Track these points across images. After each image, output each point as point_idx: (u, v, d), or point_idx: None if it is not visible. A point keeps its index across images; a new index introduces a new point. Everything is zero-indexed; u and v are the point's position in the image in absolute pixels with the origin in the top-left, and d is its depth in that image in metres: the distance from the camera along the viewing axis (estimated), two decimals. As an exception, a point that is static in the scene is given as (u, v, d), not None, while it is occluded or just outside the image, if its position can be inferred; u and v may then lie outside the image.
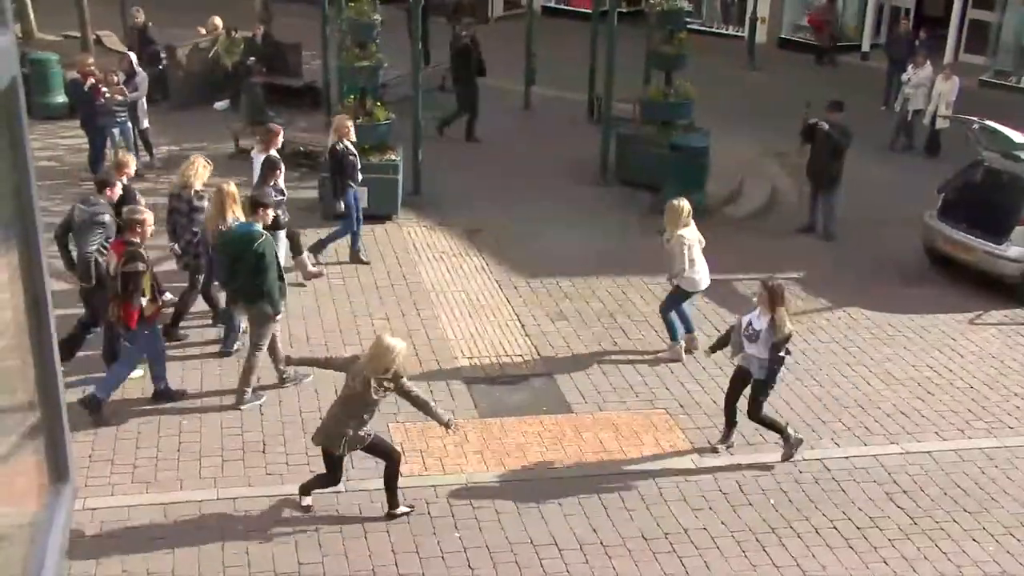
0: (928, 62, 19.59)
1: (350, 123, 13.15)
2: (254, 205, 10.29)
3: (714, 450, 9.88)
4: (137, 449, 9.53)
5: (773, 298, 9.40)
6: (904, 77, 19.78)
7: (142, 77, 17.10)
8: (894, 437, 10.35)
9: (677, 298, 11.50)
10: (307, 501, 8.78)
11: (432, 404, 8.73)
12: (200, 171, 11.43)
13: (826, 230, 15.19)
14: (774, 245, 14.95)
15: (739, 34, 27.97)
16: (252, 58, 19.47)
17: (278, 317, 10.29)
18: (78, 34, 22.62)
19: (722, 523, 8.90)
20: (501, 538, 8.58)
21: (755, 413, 9.68)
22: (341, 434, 8.32)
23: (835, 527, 8.92)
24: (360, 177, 13.15)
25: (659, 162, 15.60)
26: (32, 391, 2.55)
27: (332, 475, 8.63)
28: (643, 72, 18.33)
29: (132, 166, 11.82)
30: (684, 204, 11.14)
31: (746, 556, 8.51)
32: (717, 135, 16.59)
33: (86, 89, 15.85)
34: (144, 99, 17.05)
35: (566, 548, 8.49)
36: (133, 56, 17.52)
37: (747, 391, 9.72)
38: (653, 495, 9.24)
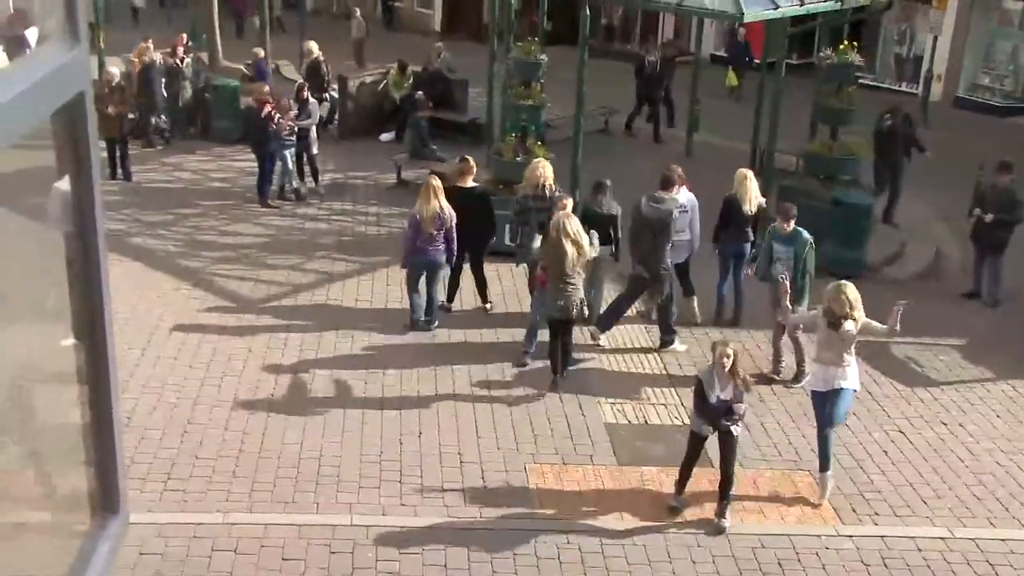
0: None
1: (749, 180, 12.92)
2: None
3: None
4: (278, 469, 9.74)
5: (735, 363, 9.00)
6: None
7: (314, 106, 17.69)
8: (1056, 523, 9.75)
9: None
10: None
11: None
12: (545, 170, 12.58)
13: (991, 295, 14.53)
14: (936, 309, 14.35)
15: (913, 91, 27.20)
16: (420, 92, 19.88)
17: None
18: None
19: (862, 596, 8.55)
20: (630, 590, 8.42)
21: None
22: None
23: (984, 612, 8.46)
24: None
25: (820, 216, 15.21)
26: (86, 415, 2.52)
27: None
28: (809, 124, 17.97)
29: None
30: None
31: (885, 633, 8.13)
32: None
33: (262, 116, 16.47)
34: (315, 127, 17.63)
35: (696, 606, 8.28)
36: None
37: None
38: (790, 558, 8.93)
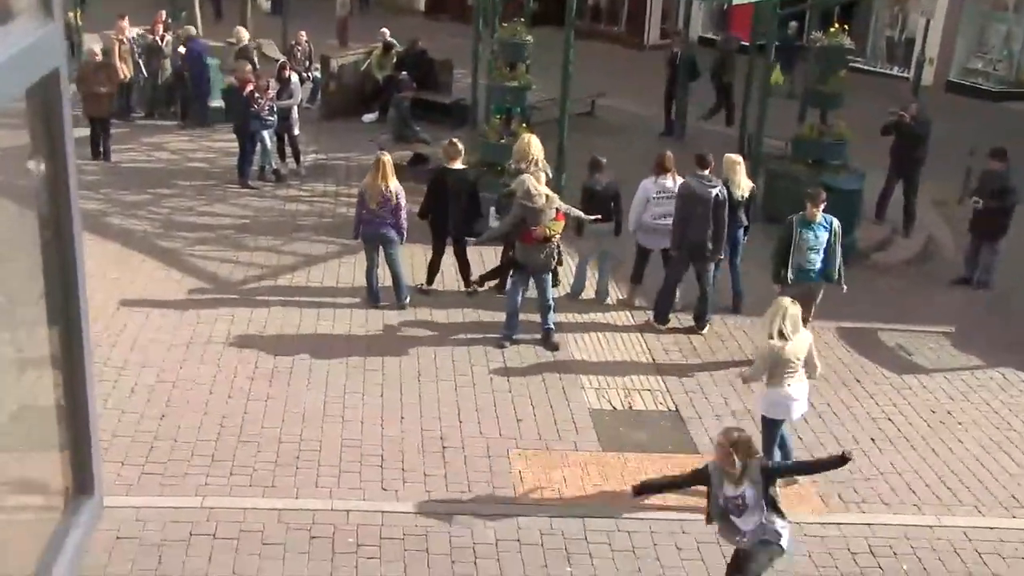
0: None
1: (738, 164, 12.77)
2: None
3: None
4: (258, 453, 9.57)
5: (738, 452, 7.40)
6: None
7: (296, 85, 17.46)
8: (1046, 510, 9.65)
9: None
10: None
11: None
12: (534, 146, 12.52)
13: (983, 277, 14.36)
14: (925, 295, 14.28)
15: (904, 75, 27.02)
16: (404, 72, 19.64)
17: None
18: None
19: (848, 584, 8.43)
20: (613, 575, 8.30)
21: None
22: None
23: (972, 601, 8.35)
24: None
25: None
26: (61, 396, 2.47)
27: None
28: (798, 108, 17.82)
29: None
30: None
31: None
32: (873, 178, 15.97)
33: (243, 96, 16.23)
34: (296, 107, 17.40)
35: (681, 595, 8.16)
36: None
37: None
38: (777, 547, 8.80)
